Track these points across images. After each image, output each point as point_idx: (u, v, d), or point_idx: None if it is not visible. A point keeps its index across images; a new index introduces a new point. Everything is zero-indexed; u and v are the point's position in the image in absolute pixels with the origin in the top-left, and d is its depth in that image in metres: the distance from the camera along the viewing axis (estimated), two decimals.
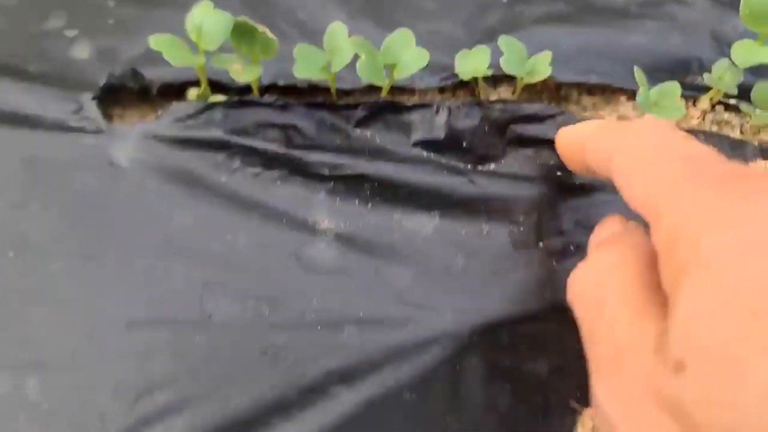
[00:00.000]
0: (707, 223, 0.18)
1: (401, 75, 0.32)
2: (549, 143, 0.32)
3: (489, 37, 0.37)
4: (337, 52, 0.32)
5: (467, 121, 0.34)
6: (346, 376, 0.29)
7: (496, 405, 0.29)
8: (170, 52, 0.29)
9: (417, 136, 0.33)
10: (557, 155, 0.30)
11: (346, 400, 0.28)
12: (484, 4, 0.40)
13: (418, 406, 0.29)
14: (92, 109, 0.32)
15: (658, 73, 0.36)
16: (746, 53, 0.33)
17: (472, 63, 0.34)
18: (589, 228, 0.28)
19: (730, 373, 0.16)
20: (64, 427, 0.28)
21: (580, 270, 0.24)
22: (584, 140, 0.26)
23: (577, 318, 0.23)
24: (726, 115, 0.37)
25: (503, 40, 0.34)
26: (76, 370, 0.28)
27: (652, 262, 0.22)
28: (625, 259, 0.23)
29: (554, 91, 0.38)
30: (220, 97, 0.33)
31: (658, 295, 0.21)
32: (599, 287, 0.23)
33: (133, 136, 0.32)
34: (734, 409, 0.16)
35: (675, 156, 0.21)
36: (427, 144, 0.33)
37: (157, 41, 0.29)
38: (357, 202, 0.32)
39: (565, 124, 0.30)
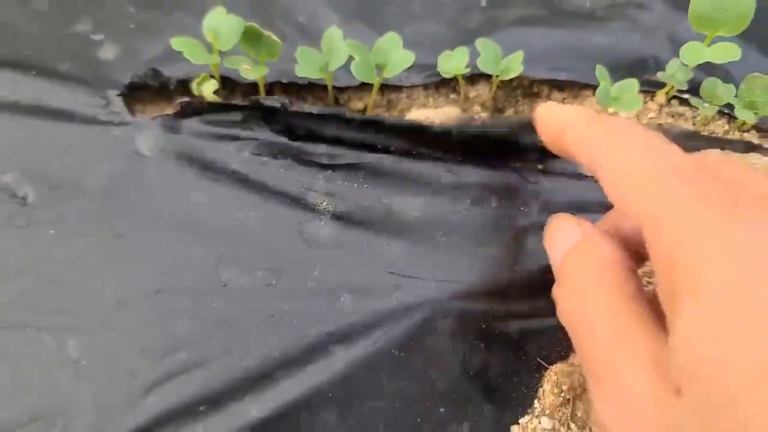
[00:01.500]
0: (708, 251, 0.19)
1: (390, 74, 0.37)
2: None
3: (470, 37, 0.41)
4: (334, 54, 0.36)
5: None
6: (343, 337, 0.33)
7: (472, 361, 0.34)
8: (190, 52, 0.33)
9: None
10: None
11: (342, 358, 0.32)
12: (465, 8, 0.44)
13: (405, 363, 0.33)
14: (118, 105, 0.37)
15: (619, 70, 0.40)
16: (693, 53, 0.37)
17: (452, 63, 0.39)
18: (551, 209, 0.33)
19: (723, 406, 0.17)
20: (101, 381, 0.32)
21: (563, 289, 0.25)
22: (565, 126, 0.26)
23: (569, 334, 0.24)
24: (680, 109, 0.42)
25: (480, 42, 0.38)
26: (109, 333, 0.32)
27: (627, 272, 0.23)
28: (602, 273, 0.23)
29: (527, 87, 0.43)
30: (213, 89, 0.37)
31: (643, 307, 0.22)
32: (584, 307, 0.23)
33: (154, 128, 0.36)
34: None
35: (668, 167, 0.21)
36: (416, 139, 0.37)
37: (177, 42, 0.34)
38: (352, 186, 0.36)
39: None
